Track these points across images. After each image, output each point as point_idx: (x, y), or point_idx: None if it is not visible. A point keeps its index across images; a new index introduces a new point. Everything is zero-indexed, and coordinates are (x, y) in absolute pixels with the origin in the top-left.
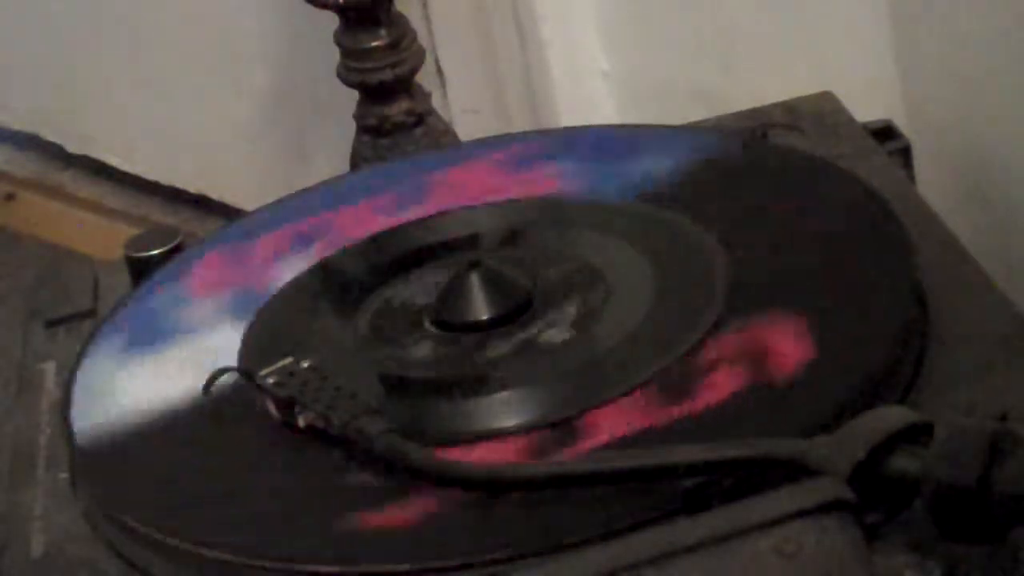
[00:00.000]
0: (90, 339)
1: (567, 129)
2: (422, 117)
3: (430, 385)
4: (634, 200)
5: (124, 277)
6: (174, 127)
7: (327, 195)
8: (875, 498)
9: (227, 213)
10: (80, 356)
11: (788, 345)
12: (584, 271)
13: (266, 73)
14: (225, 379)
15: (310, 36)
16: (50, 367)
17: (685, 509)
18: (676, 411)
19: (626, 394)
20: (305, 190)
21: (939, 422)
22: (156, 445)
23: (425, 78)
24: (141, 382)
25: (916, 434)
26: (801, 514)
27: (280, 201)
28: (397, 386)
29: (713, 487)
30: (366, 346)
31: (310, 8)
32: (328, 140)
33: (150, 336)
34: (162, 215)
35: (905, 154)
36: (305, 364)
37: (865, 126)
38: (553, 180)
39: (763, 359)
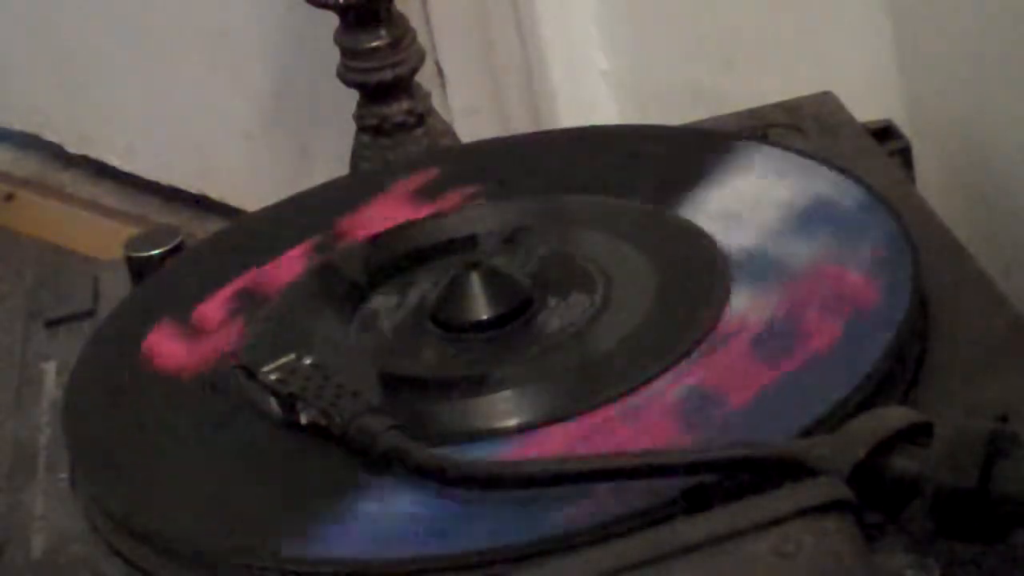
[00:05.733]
0: (90, 339)
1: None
2: (422, 117)
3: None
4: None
5: (124, 277)
6: (174, 127)
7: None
8: (875, 498)
9: (227, 213)
10: (80, 356)
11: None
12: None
13: (266, 73)
14: (226, 377)
15: (310, 36)
16: (50, 367)
17: (685, 509)
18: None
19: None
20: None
21: (939, 422)
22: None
23: (425, 78)
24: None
25: (916, 434)
26: (800, 514)
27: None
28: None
29: (713, 487)
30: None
31: (310, 8)
32: (328, 140)
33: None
34: (162, 215)
35: (905, 154)
36: (307, 361)
37: (865, 126)
38: None
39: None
